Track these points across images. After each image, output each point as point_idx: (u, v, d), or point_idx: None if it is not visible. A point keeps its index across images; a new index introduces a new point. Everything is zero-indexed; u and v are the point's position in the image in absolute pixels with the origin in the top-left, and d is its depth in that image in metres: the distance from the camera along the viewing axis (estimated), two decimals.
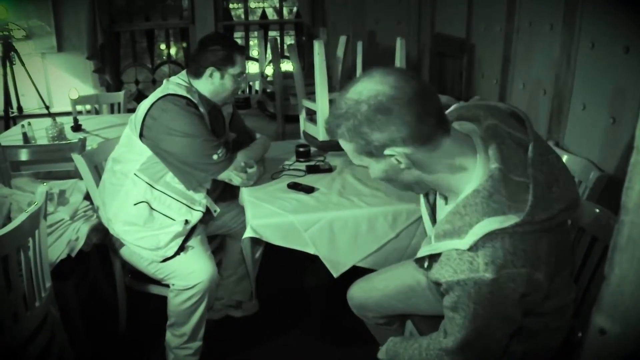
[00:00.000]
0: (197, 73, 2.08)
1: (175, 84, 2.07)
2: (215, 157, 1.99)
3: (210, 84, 2.08)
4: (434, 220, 1.36)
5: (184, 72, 2.15)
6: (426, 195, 1.37)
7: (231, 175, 2.07)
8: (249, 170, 2.11)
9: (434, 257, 1.16)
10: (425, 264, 1.20)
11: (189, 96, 2.02)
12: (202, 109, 2.05)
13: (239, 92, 4.95)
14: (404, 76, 1.04)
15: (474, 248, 1.02)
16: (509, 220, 1.00)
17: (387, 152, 1.06)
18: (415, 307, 1.70)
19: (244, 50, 2.13)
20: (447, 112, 1.19)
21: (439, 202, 1.29)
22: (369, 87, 1.03)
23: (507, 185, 1.03)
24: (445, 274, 1.07)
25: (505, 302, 1.04)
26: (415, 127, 1.02)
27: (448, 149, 1.07)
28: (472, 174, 1.09)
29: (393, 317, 1.81)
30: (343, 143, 1.12)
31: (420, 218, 1.90)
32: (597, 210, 1.52)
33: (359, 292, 1.82)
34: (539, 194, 1.03)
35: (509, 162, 1.05)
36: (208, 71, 2.05)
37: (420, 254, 1.19)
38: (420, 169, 1.10)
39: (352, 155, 1.13)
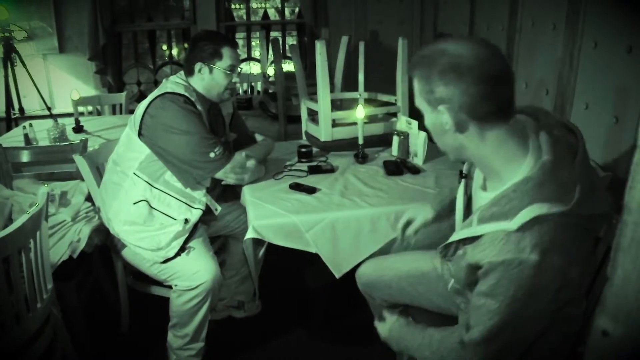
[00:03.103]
0: (189, 70, 2.11)
1: (173, 82, 2.09)
2: (212, 155, 1.99)
3: (201, 80, 2.10)
4: (467, 211, 1.38)
5: (182, 71, 2.16)
6: (465, 185, 1.40)
7: (227, 174, 2.07)
8: (248, 163, 2.11)
9: (464, 242, 1.20)
10: (451, 252, 1.25)
11: (186, 94, 2.03)
12: (199, 107, 2.06)
13: (241, 93, 4.97)
14: (495, 56, 1.08)
15: (522, 229, 1.04)
16: (557, 207, 1.04)
17: (441, 107, 1.10)
18: (422, 295, 1.69)
19: (234, 45, 2.14)
20: None
21: (478, 191, 1.31)
22: (460, 47, 1.08)
23: (556, 178, 1.07)
24: (489, 254, 1.08)
25: (543, 292, 1.07)
26: (474, 102, 1.07)
27: (501, 135, 1.11)
28: (522, 163, 1.12)
29: (397, 305, 1.81)
30: (415, 82, 1.16)
31: None
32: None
33: (370, 270, 1.82)
34: (584, 193, 1.06)
35: (560, 159, 1.09)
36: (197, 67, 2.07)
37: (458, 236, 1.22)
38: (466, 140, 1.14)
39: (416, 95, 1.18)
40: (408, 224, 1.73)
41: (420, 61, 1.12)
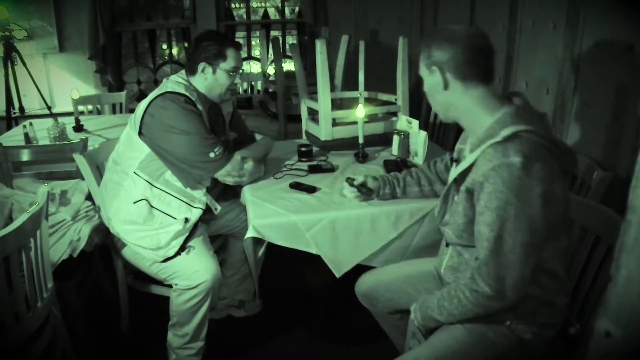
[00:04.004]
0: (192, 70, 2.10)
1: (174, 82, 2.08)
2: (212, 154, 1.99)
3: (204, 80, 2.09)
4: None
5: (183, 70, 2.16)
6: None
7: (225, 177, 2.07)
8: (245, 166, 2.10)
9: (458, 186, 1.42)
10: (449, 202, 1.48)
11: (187, 94, 2.03)
12: (200, 107, 2.05)
13: (241, 92, 4.97)
14: (480, 35, 1.41)
15: (507, 140, 1.27)
16: (531, 127, 1.28)
17: (434, 67, 1.39)
18: (425, 294, 1.69)
19: (238, 46, 2.13)
20: None
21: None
22: (456, 26, 1.42)
23: (528, 112, 1.35)
24: (483, 167, 1.29)
25: (530, 194, 1.23)
26: (460, 64, 1.36)
27: (482, 92, 1.38)
28: (500, 111, 1.35)
29: (399, 310, 1.81)
30: (421, 54, 1.45)
31: (422, 218, 1.90)
32: (601, 210, 1.52)
33: (368, 279, 1.84)
34: (550, 124, 1.34)
35: (531, 106, 1.40)
36: (200, 67, 2.07)
37: (455, 173, 1.44)
38: (453, 96, 1.40)
39: (420, 65, 1.46)
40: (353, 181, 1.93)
41: (427, 36, 1.45)
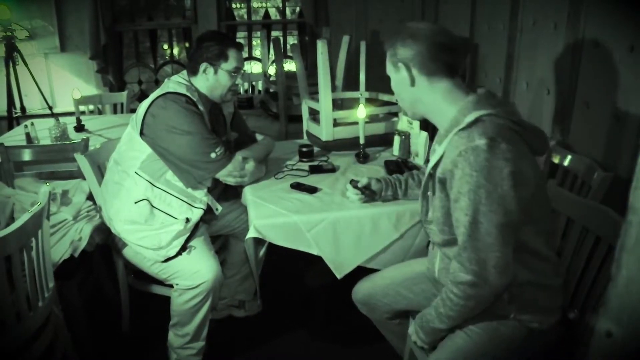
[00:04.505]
0: (193, 70, 2.10)
1: (175, 82, 2.09)
2: (213, 155, 1.99)
3: (205, 80, 2.10)
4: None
5: (184, 71, 2.16)
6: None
7: (226, 177, 2.07)
8: (246, 166, 2.11)
9: (432, 182, 1.45)
10: (429, 199, 1.49)
11: (188, 94, 2.03)
12: (201, 107, 2.05)
13: (242, 92, 4.97)
14: (443, 32, 1.42)
15: (470, 125, 1.30)
16: (492, 110, 1.31)
17: (400, 64, 1.42)
18: (420, 295, 1.70)
19: (240, 47, 2.13)
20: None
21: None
22: (426, 24, 1.44)
23: (490, 99, 1.37)
24: (451, 155, 1.30)
25: (499, 174, 1.24)
26: (425, 60, 1.39)
27: (448, 86, 1.41)
28: (464, 101, 1.38)
29: (398, 314, 1.81)
30: (387, 54, 1.48)
31: None
32: (601, 211, 1.52)
33: (364, 285, 1.84)
34: (514, 106, 1.39)
35: (498, 96, 1.43)
36: (202, 67, 2.07)
37: (428, 169, 1.45)
38: (419, 92, 1.43)
39: (387, 62, 1.49)
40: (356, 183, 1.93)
41: (391, 36, 1.46)
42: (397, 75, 1.46)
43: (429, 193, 1.49)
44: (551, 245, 1.46)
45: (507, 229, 1.28)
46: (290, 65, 5.17)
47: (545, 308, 1.43)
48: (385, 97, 2.80)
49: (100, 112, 4.01)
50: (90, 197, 2.31)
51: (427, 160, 1.61)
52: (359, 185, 1.91)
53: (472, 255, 1.30)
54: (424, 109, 1.47)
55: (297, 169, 2.31)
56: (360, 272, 1.89)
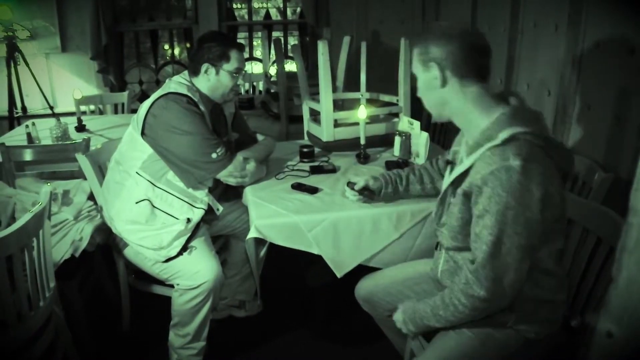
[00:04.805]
0: (195, 71, 2.10)
1: (176, 82, 2.09)
2: (214, 155, 1.99)
3: (207, 81, 2.10)
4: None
5: (185, 71, 2.16)
6: (451, 171, 1.54)
7: (227, 177, 2.07)
8: (247, 167, 2.11)
9: (454, 188, 1.41)
10: (446, 205, 1.47)
11: (189, 95, 2.03)
12: (202, 108, 2.06)
13: (243, 92, 4.97)
14: (477, 34, 1.40)
15: (505, 143, 1.26)
16: (528, 128, 1.27)
17: (432, 64, 1.37)
18: (423, 295, 1.70)
19: (241, 47, 2.14)
20: None
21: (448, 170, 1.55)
22: (459, 24, 1.46)
23: (525, 113, 1.33)
24: (481, 171, 1.27)
25: (530, 197, 1.23)
26: (458, 60, 1.35)
27: (479, 91, 1.37)
28: (496, 111, 1.35)
29: None
30: (414, 51, 1.44)
31: (424, 218, 1.91)
32: (602, 212, 1.52)
33: (367, 283, 1.84)
34: (546, 124, 1.34)
35: (526, 107, 1.39)
36: (203, 67, 2.07)
37: (452, 177, 1.42)
38: (449, 94, 1.39)
39: (413, 61, 1.45)
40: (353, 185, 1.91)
41: (422, 34, 1.43)
42: (427, 75, 1.41)
43: (447, 199, 1.47)
44: (562, 263, 1.46)
45: (527, 250, 1.28)
46: (291, 66, 5.18)
47: (545, 320, 1.43)
48: (386, 98, 2.80)
49: (101, 112, 4.01)
50: (91, 197, 2.31)
51: (449, 164, 1.57)
52: (356, 188, 1.91)
53: (490, 273, 1.29)
54: (451, 112, 1.43)
55: (297, 170, 2.32)
56: (361, 271, 1.89)
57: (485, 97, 1.37)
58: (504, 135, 1.27)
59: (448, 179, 1.46)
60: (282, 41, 5.31)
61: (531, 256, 1.31)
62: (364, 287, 1.84)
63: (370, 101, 2.79)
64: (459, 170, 1.39)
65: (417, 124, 2.38)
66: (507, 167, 1.22)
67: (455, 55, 1.35)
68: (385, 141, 2.61)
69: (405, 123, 2.47)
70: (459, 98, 1.38)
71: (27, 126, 3.02)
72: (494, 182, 1.24)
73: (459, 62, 1.35)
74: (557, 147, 1.32)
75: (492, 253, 1.28)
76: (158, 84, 5.13)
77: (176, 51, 5.57)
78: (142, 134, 2.01)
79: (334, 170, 2.30)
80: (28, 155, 2.56)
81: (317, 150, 2.53)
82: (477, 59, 1.37)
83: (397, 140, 2.46)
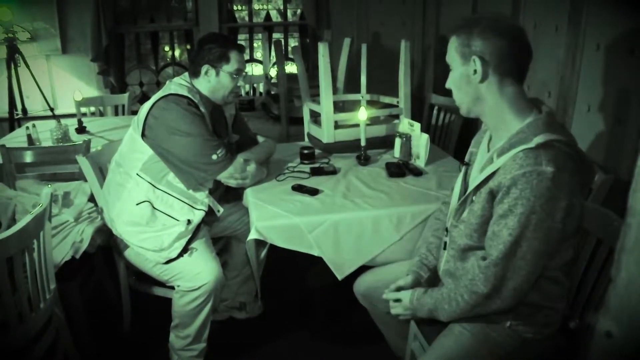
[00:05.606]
0: (195, 72, 2.11)
1: (177, 84, 2.09)
2: (214, 157, 2.00)
3: (207, 82, 2.10)
4: (464, 190, 1.53)
5: (186, 73, 2.17)
6: (465, 173, 1.55)
7: (228, 179, 2.07)
8: (248, 168, 2.11)
9: (477, 189, 1.38)
10: (467, 205, 1.43)
11: (190, 96, 2.03)
12: (203, 109, 2.06)
13: (243, 94, 4.97)
14: (525, 34, 1.37)
15: (539, 147, 1.24)
16: (562, 137, 1.25)
17: (474, 57, 1.31)
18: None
19: (241, 49, 2.14)
20: None
21: (475, 174, 1.49)
22: (507, 19, 1.43)
23: (557, 122, 1.34)
24: (512, 170, 1.25)
25: (555, 206, 1.23)
26: (503, 57, 1.31)
27: (517, 91, 1.35)
28: (529, 115, 1.34)
29: None
30: (453, 40, 1.37)
31: (424, 221, 1.90)
32: (602, 213, 1.52)
33: (367, 278, 1.84)
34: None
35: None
36: (204, 69, 2.07)
37: (481, 177, 1.36)
38: (486, 91, 1.35)
39: (450, 51, 1.39)
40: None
41: (464, 23, 1.35)
42: (465, 68, 1.35)
43: (469, 199, 1.43)
44: (571, 274, 1.45)
45: (541, 256, 1.28)
46: (291, 68, 5.18)
47: (544, 323, 1.43)
48: (386, 100, 2.81)
49: (101, 114, 4.02)
50: (91, 198, 2.32)
51: (465, 165, 1.54)
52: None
53: (500, 272, 1.29)
54: (482, 110, 1.39)
55: (298, 171, 2.32)
56: (361, 271, 1.89)
57: (521, 99, 1.35)
58: (539, 139, 1.24)
59: (477, 178, 1.40)
60: (283, 43, 5.32)
61: (543, 264, 1.31)
62: (364, 282, 1.84)
63: (370, 103, 2.79)
64: (489, 169, 1.35)
65: (417, 125, 2.38)
66: (540, 172, 1.21)
67: (503, 52, 1.30)
68: (385, 143, 2.61)
69: (406, 125, 2.47)
70: (496, 96, 1.35)
71: (27, 128, 3.02)
72: (524, 184, 1.23)
73: (506, 60, 1.31)
74: (584, 161, 1.31)
75: (507, 254, 1.27)
76: (158, 85, 5.13)
77: (177, 53, 5.56)
78: (143, 135, 2.01)
79: (334, 171, 2.30)
80: (28, 157, 2.56)
81: (317, 151, 2.53)
82: (523, 59, 1.35)
83: (398, 141, 2.46)
